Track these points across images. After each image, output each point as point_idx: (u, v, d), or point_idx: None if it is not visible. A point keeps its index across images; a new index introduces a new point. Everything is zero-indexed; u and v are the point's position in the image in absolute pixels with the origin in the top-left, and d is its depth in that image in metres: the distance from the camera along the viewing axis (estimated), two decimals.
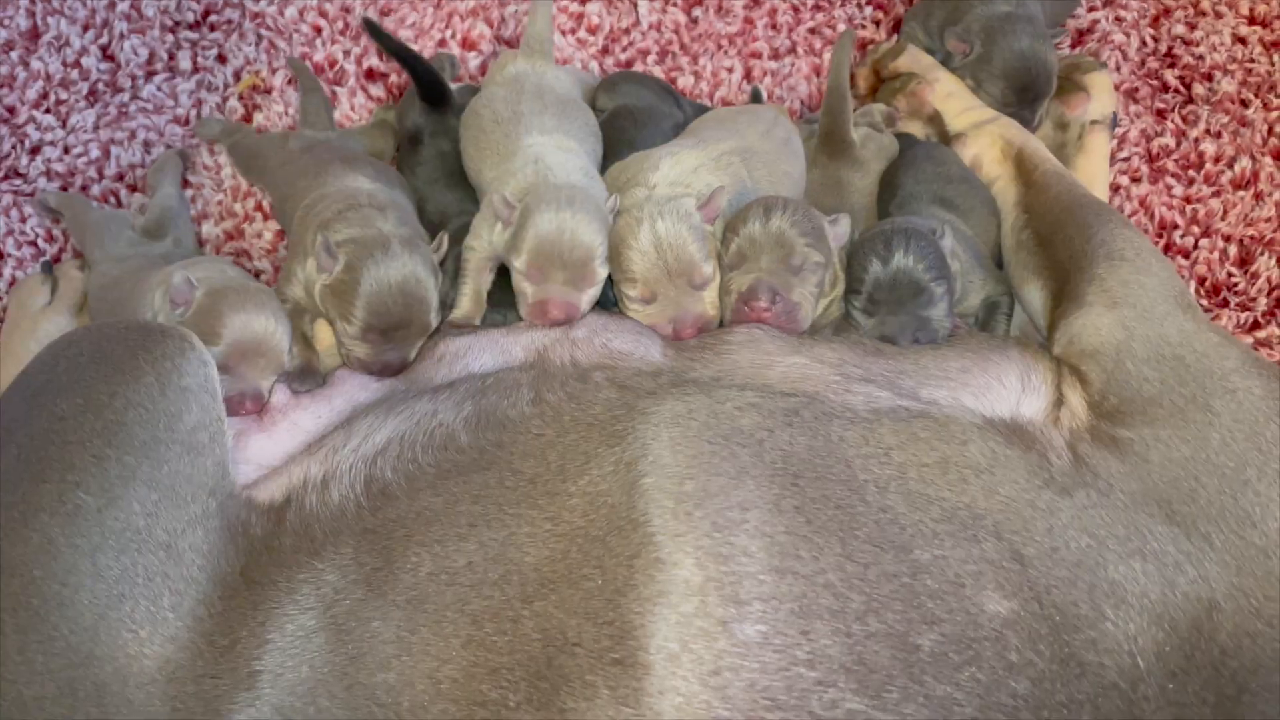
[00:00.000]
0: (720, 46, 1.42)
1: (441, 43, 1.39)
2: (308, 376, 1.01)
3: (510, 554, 0.80)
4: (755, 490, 0.80)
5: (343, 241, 0.99)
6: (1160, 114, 1.39)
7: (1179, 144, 1.37)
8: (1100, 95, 1.29)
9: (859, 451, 0.84)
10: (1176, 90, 1.40)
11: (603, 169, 1.15)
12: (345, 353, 1.00)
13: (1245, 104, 1.39)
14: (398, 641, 0.78)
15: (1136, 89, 1.40)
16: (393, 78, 1.38)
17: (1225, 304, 1.29)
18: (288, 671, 0.78)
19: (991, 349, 0.96)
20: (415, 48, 1.39)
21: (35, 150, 1.33)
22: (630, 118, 1.21)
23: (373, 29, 1.26)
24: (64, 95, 1.36)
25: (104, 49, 1.39)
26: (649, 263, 0.98)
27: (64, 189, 1.30)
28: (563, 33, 1.41)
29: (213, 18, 1.41)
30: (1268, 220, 1.32)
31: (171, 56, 1.39)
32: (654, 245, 0.97)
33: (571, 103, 1.16)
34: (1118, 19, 1.43)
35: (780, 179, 1.10)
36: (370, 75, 1.38)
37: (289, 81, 1.37)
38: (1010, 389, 0.93)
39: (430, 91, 1.20)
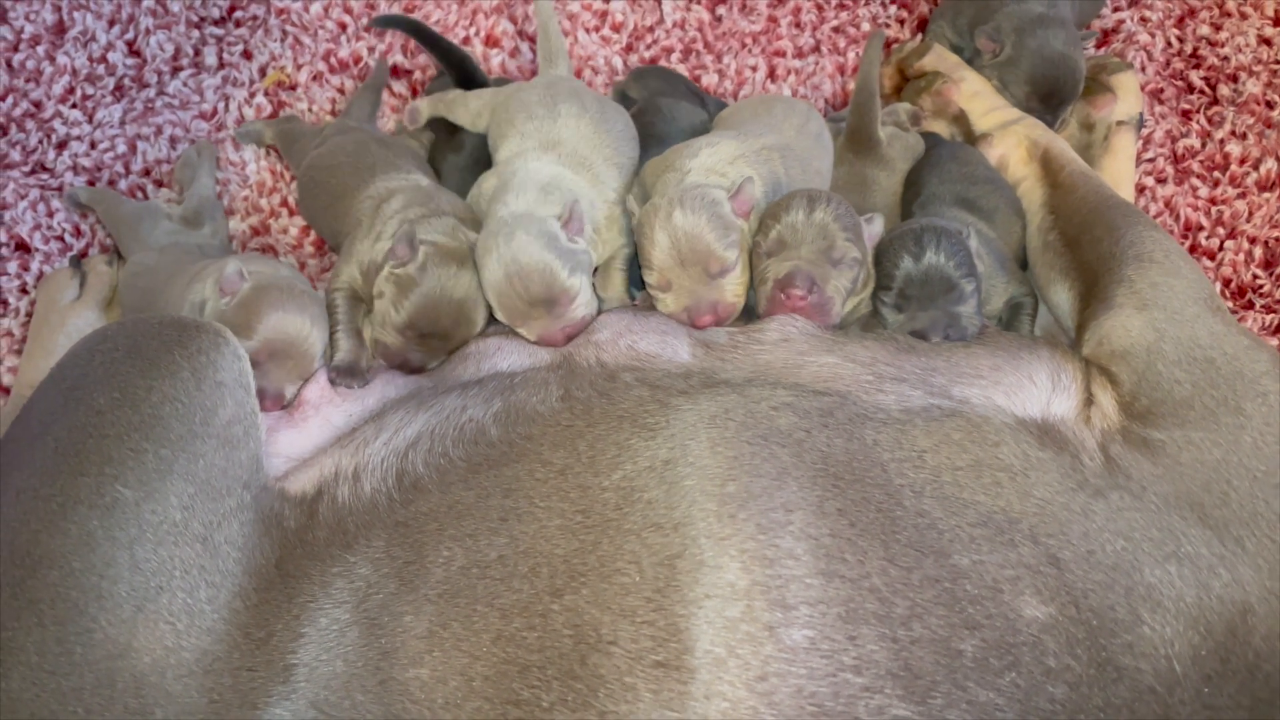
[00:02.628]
0: (744, 45, 1.42)
1: (465, 40, 1.39)
2: (353, 374, 1.01)
3: (540, 546, 0.80)
4: (798, 492, 0.80)
5: (426, 241, 0.99)
6: (1185, 115, 1.39)
7: (1204, 145, 1.36)
8: (1126, 96, 1.29)
9: (893, 455, 0.84)
10: (1202, 91, 1.40)
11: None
12: (373, 336, 1.01)
13: (1270, 105, 1.39)
14: (430, 636, 0.78)
15: (1162, 90, 1.39)
16: (417, 74, 1.38)
17: (1250, 306, 1.29)
18: (322, 665, 0.79)
19: (1022, 347, 0.96)
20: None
21: (62, 145, 1.33)
22: (658, 112, 1.21)
23: (387, 21, 1.27)
24: (90, 90, 1.36)
25: (130, 44, 1.39)
26: (662, 252, 0.97)
27: (91, 184, 1.31)
28: (587, 30, 1.41)
29: (238, 13, 1.41)
30: None
31: (197, 52, 1.39)
32: (668, 235, 0.97)
33: (609, 104, 1.16)
34: (1143, 19, 1.43)
35: (813, 177, 1.09)
36: (395, 72, 1.38)
37: (314, 78, 1.38)
38: (1041, 387, 0.93)
39: (461, 72, 1.21)
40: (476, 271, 1.00)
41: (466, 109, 1.20)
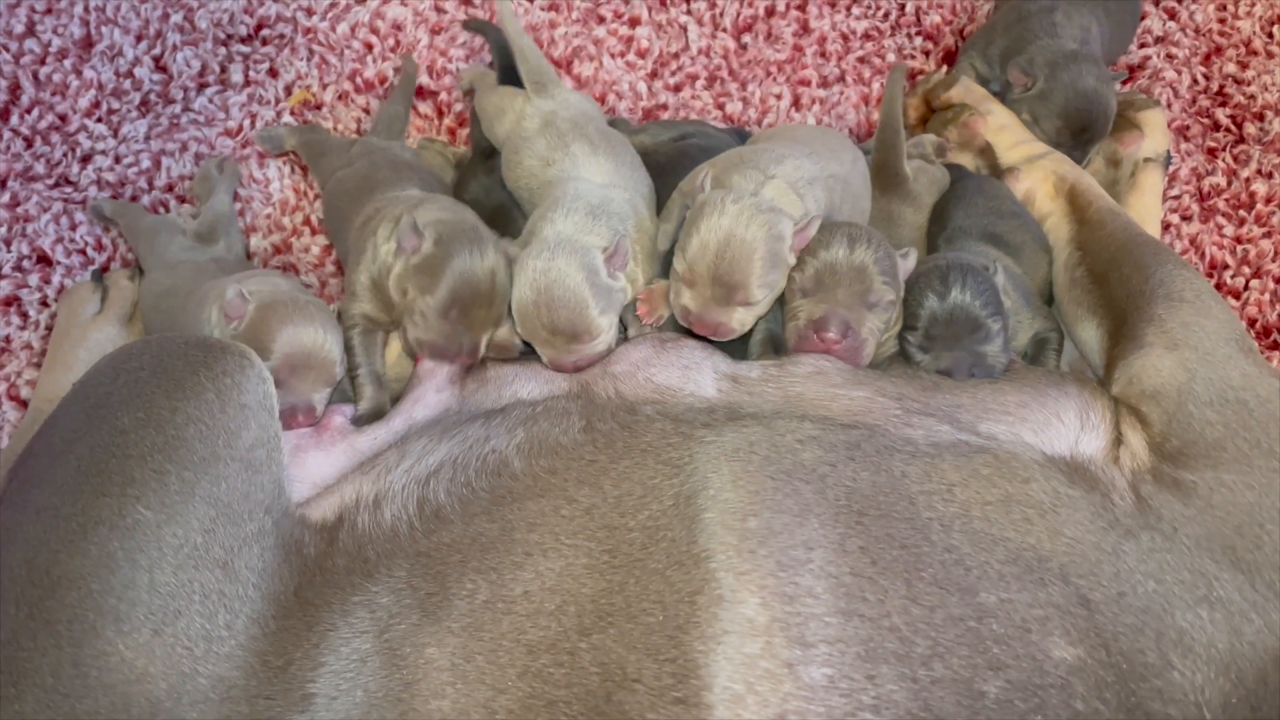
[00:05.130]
0: (769, 73, 1.42)
1: (491, 64, 1.39)
2: (375, 419, 1.00)
3: (567, 585, 0.79)
4: (819, 529, 0.79)
5: (431, 222, 0.98)
6: (1211, 153, 1.38)
7: (1230, 183, 1.36)
8: (1154, 133, 1.29)
9: (922, 488, 0.83)
10: (1228, 129, 1.40)
11: (662, 189, 1.12)
12: (415, 339, 0.98)
13: None
14: (453, 669, 0.78)
15: (1187, 127, 1.39)
16: (442, 95, 1.38)
17: (1276, 346, 1.28)
18: (342, 695, 0.78)
19: (1049, 384, 0.95)
20: (466, 67, 1.40)
21: (86, 159, 1.33)
22: (705, 136, 1.21)
23: (478, 25, 1.33)
24: (116, 105, 1.37)
25: (157, 60, 1.40)
26: (702, 258, 0.93)
27: (114, 198, 1.31)
28: (612, 55, 1.41)
29: (265, 31, 1.42)
30: None
31: (223, 69, 1.40)
32: (715, 246, 0.92)
33: (609, 131, 1.15)
34: (1169, 56, 1.43)
35: (859, 215, 1.08)
36: (420, 93, 1.38)
37: (339, 97, 1.38)
38: (1069, 426, 0.92)
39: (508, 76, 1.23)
40: (493, 245, 0.98)
41: (486, 99, 1.20)
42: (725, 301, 0.94)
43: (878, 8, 1.46)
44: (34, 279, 1.26)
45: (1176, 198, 1.34)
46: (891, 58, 1.43)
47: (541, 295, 0.94)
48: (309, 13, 1.42)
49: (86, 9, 1.41)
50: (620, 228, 1.00)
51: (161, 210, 1.31)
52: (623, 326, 1.03)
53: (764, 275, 0.94)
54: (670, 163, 1.17)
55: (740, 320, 0.96)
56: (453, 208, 1.02)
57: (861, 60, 1.43)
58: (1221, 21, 1.45)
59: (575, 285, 0.94)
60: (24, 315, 1.25)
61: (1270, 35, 1.44)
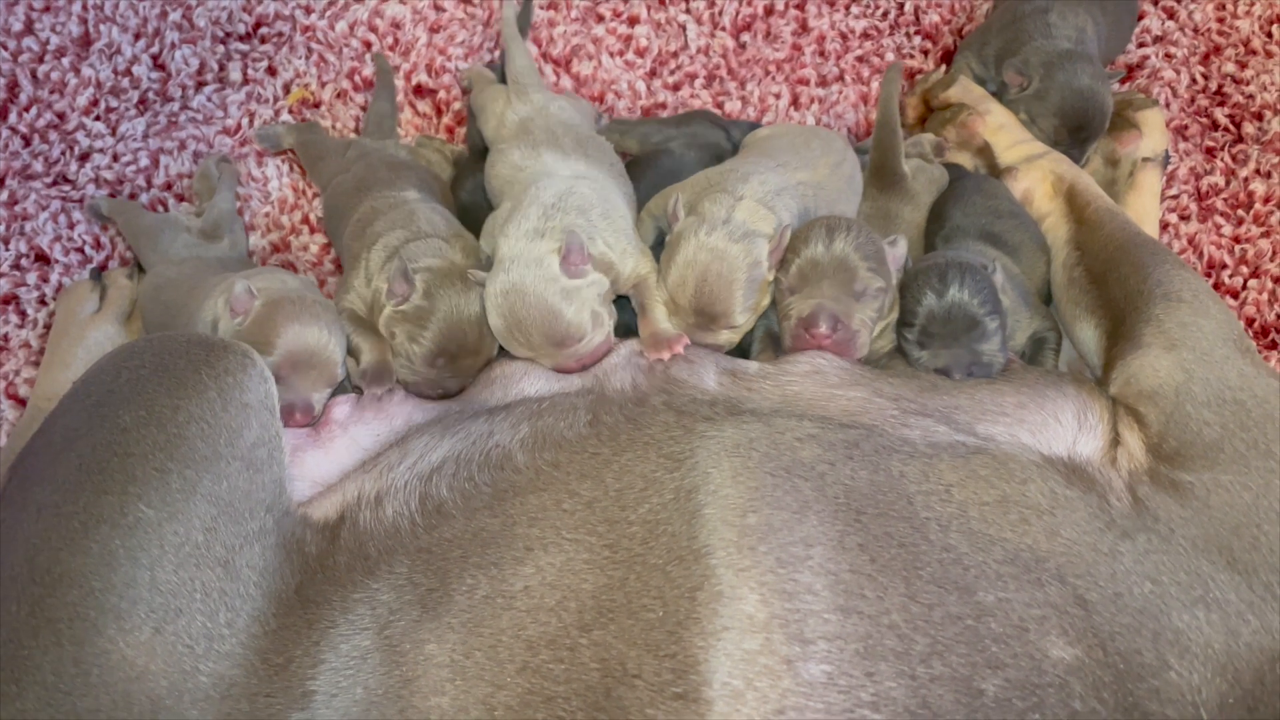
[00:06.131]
0: (768, 72, 1.42)
1: (491, 63, 1.40)
2: (383, 374, 0.99)
3: (568, 580, 0.80)
4: (818, 526, 0.80)
5: (419, 269, 0.99)
6: (1210, 152, 1.38)
7: (1228, 183, 1.36)
8: (1152, 133, 1.29)
9: (920, 488, 0.83)
10: (1226, 129, 1.40)
11: (643, 195, 1.13)
12: (401, 379, 1.00)
13: None
14: (452, 665, 0.78)
15: (1186, 126, 1.39)
16: (441, 94, 1.38)
17: (1274, 346, 1.28)
18: (342, 693, 0.78)
19: (1048, 385, 0.96)
20: (465, 66, 1.40)
21: (84, 157, 1.33)
22: (690, 136, 1.21)
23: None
24: (114, 103, 1.37)
25: (155, 58, 1.40)
26: (681, 290, 0.96)
27: (113, 196, 1.31)
28: (611, 54, 1.41)
29: (263, 30, 1.42)
30: None
31: (222, 67, 1.39)
32: (694, 282, 0.95)
33: (589, 139, 1.14)
34: (1168, 55, 1.43)
35: None
36: (419, 91, 1.38)
37: (338, 96, 1.38)
38: (1067, 427, 0.92)
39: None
40: (480, 287, 0.99)
41: (479, 96, 1.21)
42: (708, 327, 0.97)
43: (876, 7, 1.46)
44: (32, 277, 1.26)
45: (1175, 197, 1.35)
46: (890, 57, 1.43)
47: (509, 318, 0.95)
48: (307, 11, 1.42)
49: (85, 7, 1.41)
50: (579, 221, 0.97)
51: (160, 209, 1.31)
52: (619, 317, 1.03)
53: (744, 301, 0.96)
54: (642, 167, 1.18)
55: (727, 340, 0.98)
56: (442, 248, 1.01)
57: (860, 59, 1.43)
58: (1220, 21, 1.45)
59: (537, 299, 0.94)
60: (22, 314, 1.25)
61: (1269, 35, 1.45)
